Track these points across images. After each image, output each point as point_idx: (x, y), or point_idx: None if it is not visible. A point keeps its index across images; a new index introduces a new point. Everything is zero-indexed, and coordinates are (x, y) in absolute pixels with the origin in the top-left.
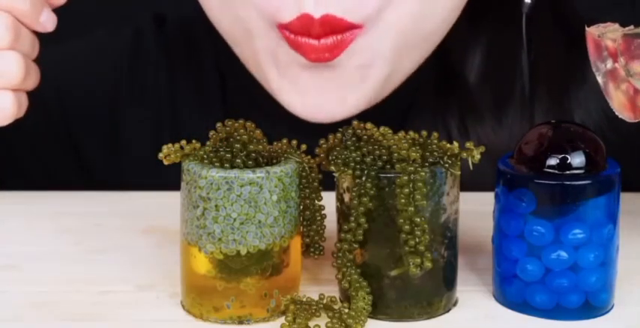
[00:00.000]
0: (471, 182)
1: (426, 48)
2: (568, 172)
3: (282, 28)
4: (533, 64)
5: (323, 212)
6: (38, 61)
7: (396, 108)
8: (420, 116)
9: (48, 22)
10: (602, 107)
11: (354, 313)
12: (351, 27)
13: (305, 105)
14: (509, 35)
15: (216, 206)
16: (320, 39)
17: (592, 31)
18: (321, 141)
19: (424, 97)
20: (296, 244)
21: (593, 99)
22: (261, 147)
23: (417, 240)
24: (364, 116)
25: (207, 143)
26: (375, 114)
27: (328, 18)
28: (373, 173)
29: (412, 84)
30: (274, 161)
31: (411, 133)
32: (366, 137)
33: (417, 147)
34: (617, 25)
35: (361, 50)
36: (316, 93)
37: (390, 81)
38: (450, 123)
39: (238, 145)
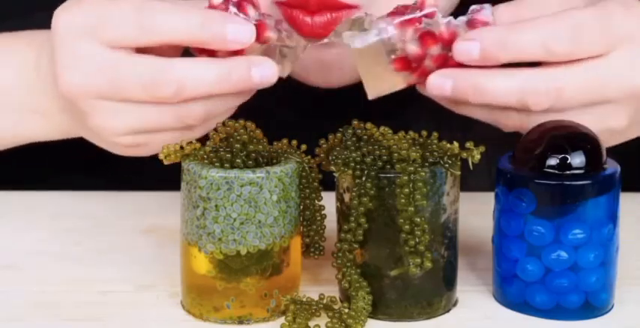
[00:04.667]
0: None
1: None
2: (568, 172)
3: (279, 4)
4: None
5: (323, 212)
6: None
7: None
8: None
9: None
10: None
11: (354, 313)
12: (347, 7)
13: (304, 70)
14: None
15: (216, 206)
16: (314, 16)
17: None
18: (321, 141)
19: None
20: (296, 244)
21: None
22: (261, 147)
23: (417, 240)
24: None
25: (207, 143)
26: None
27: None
28: (373, 173)
29: None
30: (274, 161)
31: (411, 133)
32: (366, 137)
33: (417, 147)
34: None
35: None
36: (316, 64)
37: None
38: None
39: (238, 145)
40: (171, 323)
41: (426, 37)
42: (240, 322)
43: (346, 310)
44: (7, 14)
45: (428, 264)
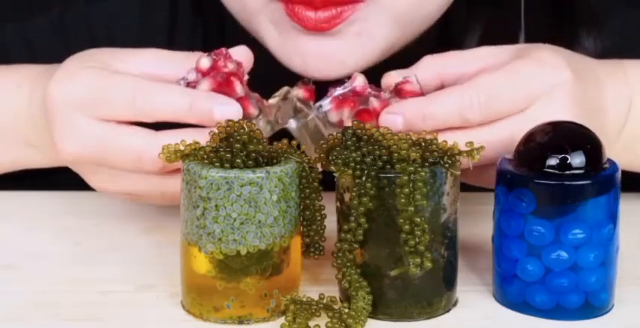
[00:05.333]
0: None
1: (427, 21)
2: (568, 172)
3: (282, 0)
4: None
5: (323, 212)
6: None
7: None
8: None
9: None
10: None
11: (354, 313)
12: (352, 1)
13: (304, 63)
14: (507, 17)
15: (216, 206)
16: (317, 11)
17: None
18: (321, 141)
19: None
20: (296, 244)
21: None
22: (261, 147)
23: (417, 239)
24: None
25: (207, 143)
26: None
27: None
28: (373, 173)
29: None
30: (274, 161)
31: (411, 133)
32: (366, 137)
33: (417, 147)
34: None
35: (360, 20)
36: (316, 56)
37: (392, 47)
38: None
39: (238, 145)
40: (171, 323)
41: (362, 114)
42: (240, 322)
43: (346, 310)
44: (7, 17)
45: (428, 264)
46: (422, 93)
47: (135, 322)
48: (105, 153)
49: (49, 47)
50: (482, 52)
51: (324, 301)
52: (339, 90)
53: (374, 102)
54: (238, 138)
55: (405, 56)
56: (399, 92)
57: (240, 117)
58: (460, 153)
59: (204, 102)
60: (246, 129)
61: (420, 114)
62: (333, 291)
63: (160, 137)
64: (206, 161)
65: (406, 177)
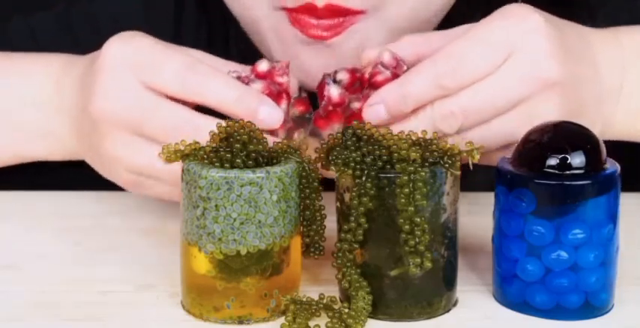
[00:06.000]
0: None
1: (424, 29)
2: (568, 172)
3: (286, 9)
4: None
5: (323, 212)
6: None
7: None
8: None
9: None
10: None
11: (354, 313)
12: (354, 12)
13: (303, 72)
14: None
15: (216, 206)
16: (320, 20)
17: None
18: (321, 141)
19: None
20: (296, 244)
21: None
22: (261, 147)
23: (417, 239)
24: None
25: (207, 143)
26: None
27: (331, 6)
28: (373, 173)
29: None
30: (274, 161)
31: (411, 133)
32: (366, 137)
33: (417, 147)
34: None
35: (360, 33)
36: (315, 67)
37: None
38: None
39: (238, 145)
40: (171, 323)
41: (352, 119)
42: (240, 322)
43: (346, 310)
44: (10, 14)
45: (428, 264)
46: (397, 76)
47: (135, 322)
48: (142, 118)
49: (54, 42)
50: (460, 29)
51: (324, 301)
52: (319, 109)
53: (356, 104)
54: (238, 138)
55: None
56: (373, 85)
57: (280, 124)
58: (460, 153)
59: (253, 99)
60: (246, 130)
61: (400, 96)
62: (333, 291)
63: (199, 119)
64: (206, 161)
65: (406, 177)
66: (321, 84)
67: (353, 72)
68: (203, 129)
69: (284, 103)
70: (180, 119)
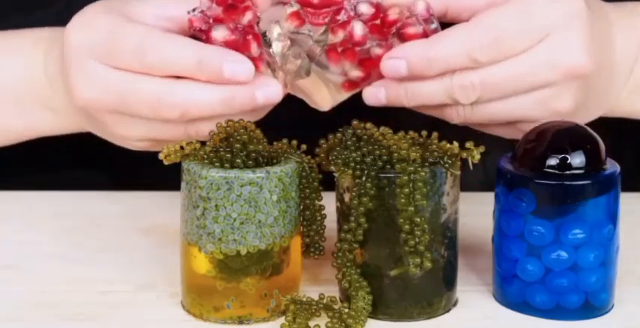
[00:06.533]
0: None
1: None
2: (568, 172)
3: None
4: None
5: (323, 212)
6: None
7: None
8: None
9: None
10: None
11: (354, 313)
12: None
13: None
14: None
15: (216, 206)
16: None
17: None
18: (321, 141)
19: None
20: (296, 244)
21: None
22: (261, 147)
23: (417, 239)
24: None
25: (208, 143)
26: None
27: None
28: (373, 173)
29: None
30: (274, 161)
31: (411, 133)
32: (366, 137)
33: (417, 147)
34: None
35: None
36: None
37: None
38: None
39: (238, 145)
40: (172, 323)
41: (365, 63)
42: (240, 322)
43: (346, 310)
44: (9, 12)
45: (428, 264)
46: (426, 34)
47: (135, 322)
48: (123, 99)
49: None
50: None
51: (324, 301)
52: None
53: (377, 50)
54: (238, 138)
55: None
56: (401, 36)
57: (252, 76)
58: (460, 153)
59: (214, 59)
60: (247, 130)
61: (425, 57)
62: (333, 291)
63: (178, 85)
64: (206, 161)
65: (406, 177)
66: (338, 10)
67: (378, 7)
68: (188, 99)
69: (254, 46)
70: (160, 92)
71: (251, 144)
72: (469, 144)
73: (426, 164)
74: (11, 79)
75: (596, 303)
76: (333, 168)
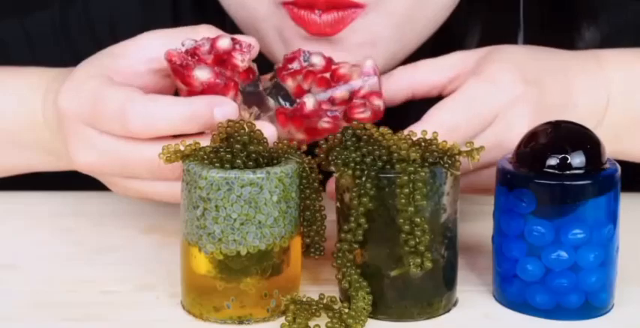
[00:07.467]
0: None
1: (429, 28)
2: (568, 172)
3: (287, 4)
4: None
5: (323, 212)
6: None
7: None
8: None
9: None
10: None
11: (354, 313)
12: (354, 5)
13: None
14: (507, 16)
15: (216, 206)
16: (322, 15)
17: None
18: (321, 141)
19: None
20: (296, 244)
21: None
22: (261, 147)
23: (417, 240)
24: None
25: (208, 143)
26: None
27: None
28: (373, 173)
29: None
30: (274, 161)
31: (411, 133)
32: (366, 137)
33: (417, 147)
34: None
35: (362, 29)
36: None
37: (394, 57)
38: None
39: (238, 146)
40: (171, 323)
41: (310, 131)
42: (240, 322)
43: (346, 310)
44: (7, 13)
45: (428, 264)
46: (374, 117)
47: (135, 322)
48: (120, 165)
49: (49, 44)
50: (452, 59)
51: (324, 301)
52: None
53: (324, 125)
54: (239, 138)
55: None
56: (349, 116)
57: (237, 115)
58: (460, 153)
59: (204, 108)
60: (247, 130)
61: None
62: (333, 291)
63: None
64: (206, 161)
65: (406, 177)
66: (292, 58)
67: (329, 61)
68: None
69: (231, 92)
70: (154, 153)
71: (251, 144)
72: (469, 144)
73: (426, 164)
74: (10, 122)
75: (596, 303)
76: (333, 168)
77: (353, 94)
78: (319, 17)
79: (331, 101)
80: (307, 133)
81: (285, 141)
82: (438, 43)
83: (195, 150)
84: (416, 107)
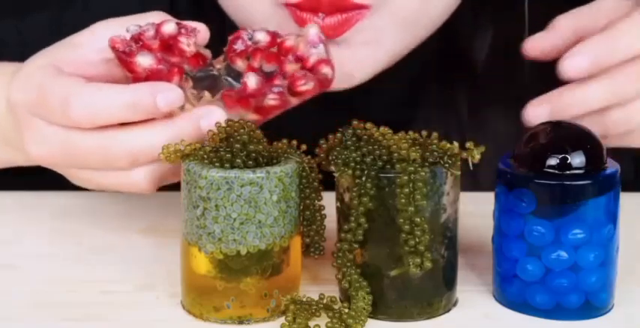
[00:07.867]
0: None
1: (431, 27)
2: (568, 172)
3: (290, 5)
4: None
5: (323, 212)
6: None
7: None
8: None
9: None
10: None
11: (354, 313)
12: (359, 7)
13: None
14: (513, 20)
15: (216, 206)
16: (325, 18)
17: None
18: (321, 141)
19: (432, 85)
20: (296, 244)
21: None
22: (261, 147)
23: (417, 240)
24: (371, 96)
25: (207, 143)
26: (384, 97)
27: (335, 0)
28: (373, 173)
29: (421, 73)
30: (274, 161)
31: (411, 133)
32: (366, 137)
33: (417, 147)
34: None
35: (367, 29)
36: None
37: (398, 56)
38: (461, 107)
39: (238, 145)
40: (171, 323)
41: (260, 110)
42: (240, 322)
43: (346, 310)
44: (3, 15)
45: (428, 264)
46: (317, 89)
47: (135, 322)
48: (70, 156)
49: (48, 44)
50: (606, 4)
51: (324, 301)
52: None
53: (271, 102)
54: (238, 138)
55: (407, 59)
56: (293, 92)
57: (183, 102)
58: (460, 153)
59: (146, 95)
60: (247, 130)
61: (610, 49)
62: (333, 291)
63: (124, 132)
64: (206, 161)
65: (406, 177)
66: (235, 39)
67: (274, 35)
68: (128, 142)
69: (176, 78)
70: (106, 141)
71: (251, 144)
72: (469, 144)
73: (426, 164)
74: None
75: (596, 303)
76: (333, 168)
77: (302, 64)
78: (322, 20)
79: (283, 76)
80: (258, 113)
81: (285, 141)
82: (441, 43)
83: (195, 149)
84: (427, 96)
